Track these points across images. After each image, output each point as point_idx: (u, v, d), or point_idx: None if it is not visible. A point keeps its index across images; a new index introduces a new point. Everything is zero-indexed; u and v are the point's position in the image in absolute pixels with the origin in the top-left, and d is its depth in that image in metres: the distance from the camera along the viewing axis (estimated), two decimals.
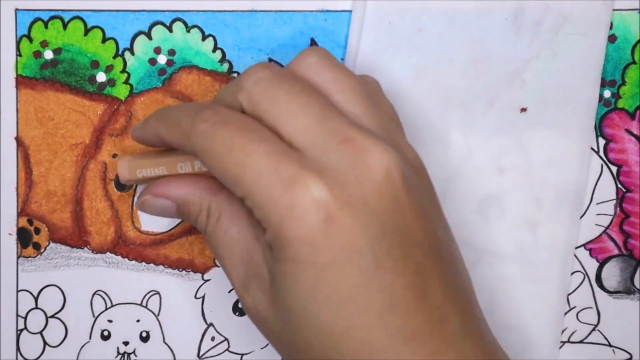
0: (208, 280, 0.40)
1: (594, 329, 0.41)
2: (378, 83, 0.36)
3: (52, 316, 0.39)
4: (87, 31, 0.38)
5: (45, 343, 0.39)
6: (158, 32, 0.38)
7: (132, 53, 0.38)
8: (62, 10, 0.38)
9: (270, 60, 0.39)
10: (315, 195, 0.29)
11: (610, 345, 0.41)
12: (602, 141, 0.40)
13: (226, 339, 0.40)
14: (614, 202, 0.40)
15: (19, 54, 0.38)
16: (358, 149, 0.30)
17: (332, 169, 0.29)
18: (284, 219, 0.29)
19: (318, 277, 0.29)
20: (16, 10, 0.38)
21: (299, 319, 0.30)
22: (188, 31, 0.38)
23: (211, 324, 0.40)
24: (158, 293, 0.40)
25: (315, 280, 0.29)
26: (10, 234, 0.39)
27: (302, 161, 0.30)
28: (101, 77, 0.38)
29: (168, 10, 0.38)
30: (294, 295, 0.30)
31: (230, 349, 0.40)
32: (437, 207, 0.33)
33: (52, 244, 0.39)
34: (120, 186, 0.39)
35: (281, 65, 0.38)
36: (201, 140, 0.31)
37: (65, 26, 0.38)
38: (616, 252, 0.41)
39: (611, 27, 0.39)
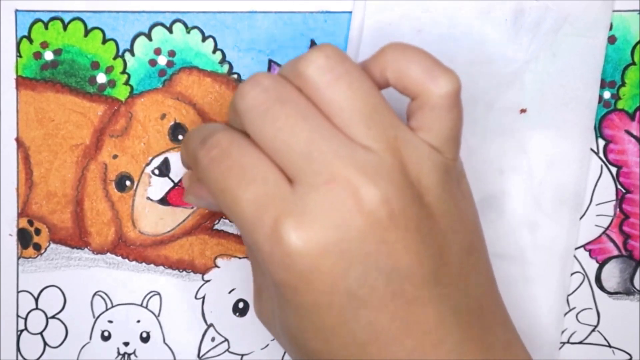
0: (208, 280, 0.40)
1: (593, 330, 0.41)
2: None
3: (53, 317, 0.39)
4: (87, 32, 0.38)
5: (45, 344, 0.39)
6: (158, 33, 0.38)
7: (132, 54, 0.38)
8: (62, 11, 0.38)
9: (270, 62, 0.39)
10: (293, 247, 0.29)
11: (610, 346, 0.41)
12: (601, 142, 0.40)
13: (226, 340, 0.40)
14: (614, 203, 0.40)
15: (19, 54, 0.38)
16: (343, 190, 0.29)
17: (314, 213, 0.29)
18: (268, 263, 0.30)
19: (304, 315, 0.30)
20: (16, 11, 0.38)
21: (293, 339, 0.32)
22: (188, 32, 0.38)
23: (211, 325, 0.40)
24: (158, 294, 0.40)
25: (302, 317, 0.31)
26: (10, 234, 0.39)
27: (285, 205, 0.29)
28: (101, 78, 0.38)
29: (168, 12, 0.38)
30: (287, 323, 0.32)
31: (230, 350, 0.40)
32: (457, 214, 0.32)
33: (52, 245, 0.39)
34: (121, 187, 0.39)
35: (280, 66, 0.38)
36: (202, 176, 0.32)
37: (65, 27, 0.38)
38: (616, 253, 0.41)
39: (611, 28, 0.39)
